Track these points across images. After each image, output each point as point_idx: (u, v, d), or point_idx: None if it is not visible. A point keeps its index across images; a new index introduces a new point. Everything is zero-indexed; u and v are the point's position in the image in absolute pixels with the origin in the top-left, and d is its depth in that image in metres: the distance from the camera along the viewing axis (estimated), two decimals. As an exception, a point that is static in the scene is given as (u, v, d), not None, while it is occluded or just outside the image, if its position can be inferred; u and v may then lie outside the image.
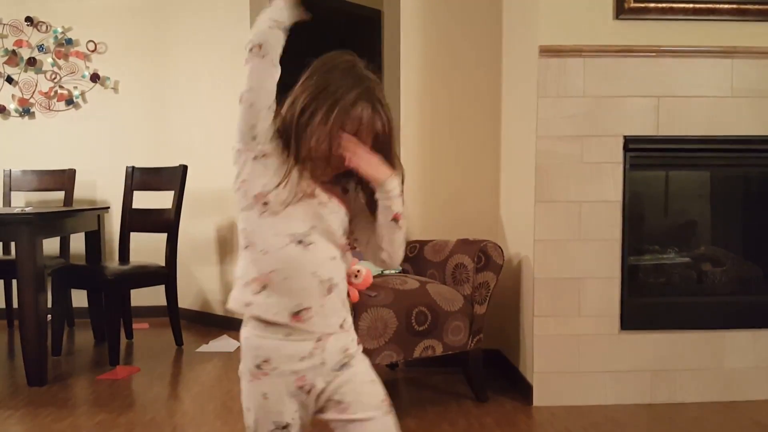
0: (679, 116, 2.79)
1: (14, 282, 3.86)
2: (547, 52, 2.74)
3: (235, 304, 1.32)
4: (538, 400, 2.84)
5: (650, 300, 2.95)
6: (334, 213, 1.34)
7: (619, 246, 2.82)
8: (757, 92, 2.80)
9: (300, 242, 1.29)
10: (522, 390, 2.95)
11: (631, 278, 2.90)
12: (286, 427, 1.33)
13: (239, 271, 1.33)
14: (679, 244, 3.04)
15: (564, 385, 2.84)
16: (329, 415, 1.35)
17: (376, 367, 3.50)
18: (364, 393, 1.37)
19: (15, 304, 3.84)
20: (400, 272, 3.09)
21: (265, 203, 1.28)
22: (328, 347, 1.32)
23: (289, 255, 1.28)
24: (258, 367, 1.31)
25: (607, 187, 2.80)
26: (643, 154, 2.82)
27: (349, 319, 1.40)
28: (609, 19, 2.76)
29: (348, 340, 1.38)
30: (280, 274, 1.28)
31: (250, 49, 1.30)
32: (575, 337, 2.83)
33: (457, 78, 3.41)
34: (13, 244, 3.84)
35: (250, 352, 1.32)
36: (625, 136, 2.78)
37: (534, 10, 2.80)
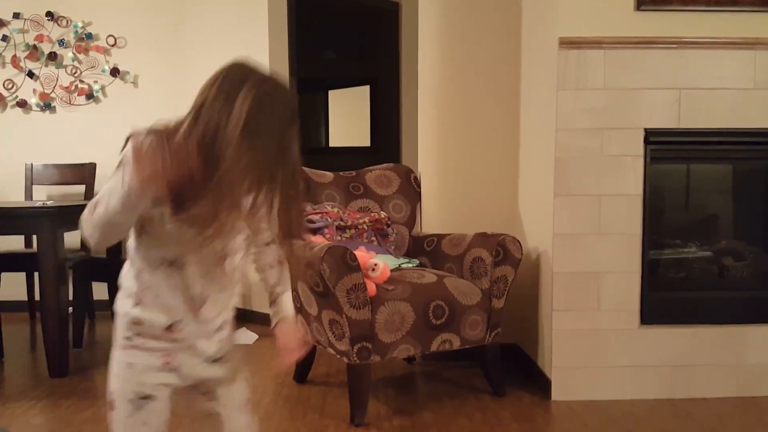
0: (701, 109, 2.76)
1: (36, 275, 3.91)
2: (567, 43, 2.72)
3: None
4: (556, 394, 2.82)
5: (670, 294, 2.92)
6: None
7: (639, 240, 2.80)
8: (781, 84, 2.76)
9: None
10: (540, 384, 2.94)
11: (651, 272, 2.87)
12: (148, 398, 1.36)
13: None
14: (700, 238, 3.01)
15: (583, 380, 2.83)
16: (194, 398, 1.41)
17: (393, 361, 3.49)
18: (234, 389, 1.45)
19: (37, 297, 3.89)
20: (417, 266, 3.08)
21: None
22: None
23: None
24: (128, 338, 1.35)
25: (627, 181, 2.77)
26: (663, 147, 2.78)
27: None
28: (630, 10, 2.73)
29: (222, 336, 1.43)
30: None
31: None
32: (594, 331, 2.81)
33: (475, 70, 3.39)
34: (34, 237, 3.88)
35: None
36: (645, 129, 2.76)
37: (554, 1, 2.78)
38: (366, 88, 6.17)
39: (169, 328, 1.33)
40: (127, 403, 1.34)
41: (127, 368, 1.34)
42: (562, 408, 2.76)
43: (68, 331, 3.32)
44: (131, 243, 1.34)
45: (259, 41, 4.13)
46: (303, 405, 2.81)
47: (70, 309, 3.42)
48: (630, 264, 2.80)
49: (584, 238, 2.79)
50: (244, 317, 4.33)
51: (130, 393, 1.34)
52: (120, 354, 1.35)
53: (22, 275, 4.35)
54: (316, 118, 6.64)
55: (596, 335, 2.81)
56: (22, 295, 4.39)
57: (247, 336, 3.96)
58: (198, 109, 1.20)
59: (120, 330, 1.36)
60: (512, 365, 3.20)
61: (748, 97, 2.76)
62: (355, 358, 2.55)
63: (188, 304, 1.33)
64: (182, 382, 1.37)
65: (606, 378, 2.83)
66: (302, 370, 3.11)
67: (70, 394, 2.96)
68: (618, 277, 2.80)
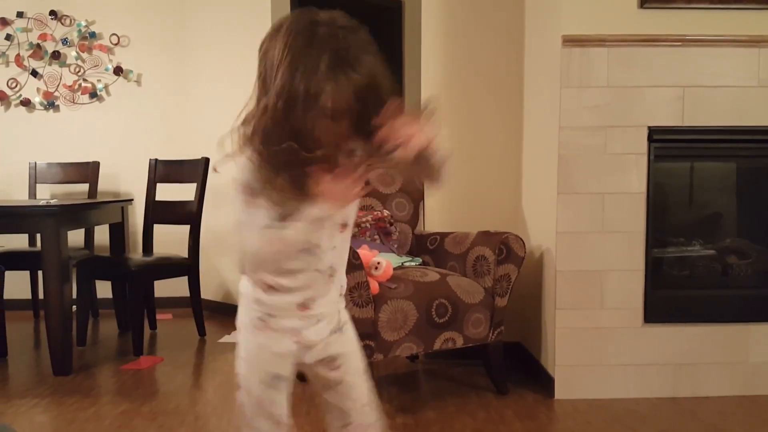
0: (705, 106, 2.75)
1: (40, 273, 3.93)
2: (571, 41, 2.71)
3: None
4: (559, 392, 2.82)
5: (674, 293, 2.91)
6: None
7: (642, 238, 2.79)
8: (785, 82, 2.75)
9: None
10: (543, 383, 2.94)
11: (655, 271, 2.86)
12: (278, 377, 1.37)
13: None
14: (704, 236, 3.00)
15: (586, 378, 2.82)
16: (319, 371, 1.41)
17: (396, 359, 3.48)
18: (353, 358, 1.44)
19: (41, 295, 3.89)
20: (420, 264, 3.08)
21: None
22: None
23: None
24: (260, 319, 1.35)
25: (630, 179, 2.77)
26: (667, 144, 2.78)
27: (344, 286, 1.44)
28: (633, 7, 2.72)
29: (341, 306, 1.44)
30: None
31: None
32: (598, 329, 2.81)
33: (478, 69, 3.39)
34: (38, 235, 3.89)
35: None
36: (649, 127, 2.75)
37: (556, -1, 2.78)
38: (369, 87, 6.16)
39: (302, 305, 1.33)
40: (258, 384, 1.36)
41: (258, 349, 1.36)
42: (565, 406, 2.75)
43: (72, 330, 3.33)
44: None
45: (262, 37, 4.12)
46: (306, 403, 2.81)
47: (74, 307, 3.42)
48: (633, 262, 2.80)
49: (587, 236, 2.78)
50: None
51: (262, 373, 1.36)
52: (250, 335, 1.37)
53: (26, 273, 4.37)
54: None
55: (599, 333, 2.81)
56: (26, 294, 4.40)
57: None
58: (264, 79, 1.15)
59: (249, 312, 1.36)
60: (515, 363, 3.20)
61: (751, 95, 2.75)
62: (358, 357, 2.54)
63: (319, 278, 1.32)
64: (311, 358, 1.38)
65: (609, 376, 2.82)
66: (305, 369, 3.10)
67: (73, 392, 2.97)
68: (621, 276, 2.80)
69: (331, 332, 1.39)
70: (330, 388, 1.43)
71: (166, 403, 2.84)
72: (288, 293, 1.31)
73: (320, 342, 1.37)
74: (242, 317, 1.39)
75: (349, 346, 1.44)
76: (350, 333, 1.45)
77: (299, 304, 1.32)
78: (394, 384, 3.08)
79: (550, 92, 2.85)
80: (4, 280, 3.50)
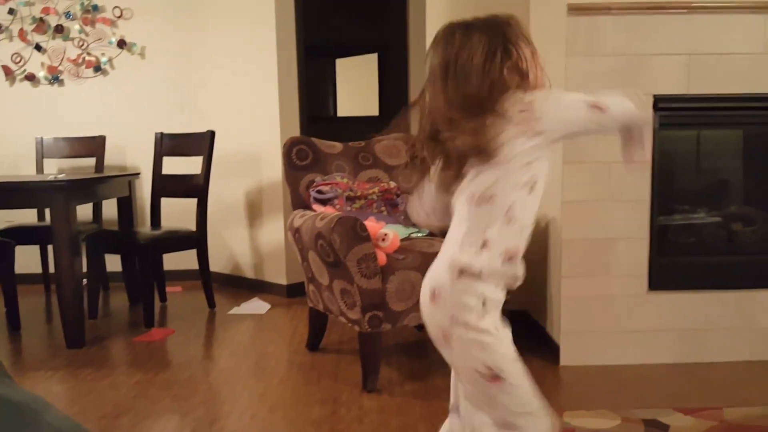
0: (711, 74, 2.74)
1: (50, 247, 3.97)
2: (576, 10, 2.70)
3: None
4: (565, 359, 2.86)
5: (679, 260, 2.93)
6: None
7: (648, 206, 2.81)
8: (793, 48, 2.73)
9: None
10: (549, 350, 2.98)
11: (660, 238, 2.88)
12: None
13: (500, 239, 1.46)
14: (710, 203, 3.01)
15: (591, 345, 2.86)
16: None
17: (405, 328, 3.50)
18: None
19: (51, 269, 3.94)
20: (426, 235, 3.10)
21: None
22: None
23: None
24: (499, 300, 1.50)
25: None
26: (673, 113, 2.77)
27: None
28: (639, -26, 2.70)
29: None
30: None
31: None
32: (603, 297, 2.83)
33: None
34: (47, 210, 3.92)
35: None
36: (655, 95, 2.74)
37: (562, -33, 2.75)
38: (374, 56, 6.13)
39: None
40: (515, 362, 1.48)
41: (504, 328, 1.48)
42: (570, 372, 2.79)
43: (83, 303, 3.37)
44: (515, 203, 1.45)
45: (266, 7, 4.10)
46: (317, 371, 2.86)
47: (84, 281, 3.46)
48: (639, 230, 2.81)
49: (593, 204, 2.79)
50: (256, 287, 4.39)
51: (513, 349, 1.48)
52: (492, 321, 1.47)
53: (36, 248, 4.41)
54: (323, 86, 6.62)
55: (604, 301, 2.84)
56: (36, 268, 4.45)
57: (259, 306, 4.01)
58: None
59: (492, 294, 1.50)
60: (521, 331, 3.21)
61: (758, 62, 2.74)
62: (367, 327, 2.58)
63: None
64: None
65: (614, 343, 2.86)
66: (315, 338, 3.15)
67: (87, 363, 3.02)
68: (627, 243, 2.81)
69: None
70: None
71: (180, 373, 2.89)
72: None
73: None
74: (493, 315, 1.48)
75: None
76: None
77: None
78: (402, 353, 3.12)
79: (556, 61, 2.84)
80: (14, 255, 3.54)
